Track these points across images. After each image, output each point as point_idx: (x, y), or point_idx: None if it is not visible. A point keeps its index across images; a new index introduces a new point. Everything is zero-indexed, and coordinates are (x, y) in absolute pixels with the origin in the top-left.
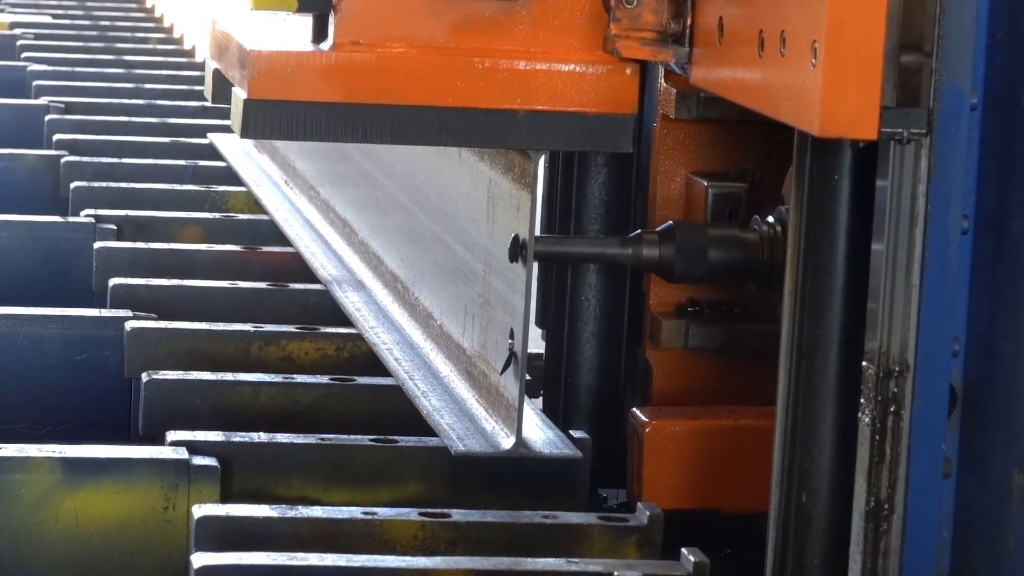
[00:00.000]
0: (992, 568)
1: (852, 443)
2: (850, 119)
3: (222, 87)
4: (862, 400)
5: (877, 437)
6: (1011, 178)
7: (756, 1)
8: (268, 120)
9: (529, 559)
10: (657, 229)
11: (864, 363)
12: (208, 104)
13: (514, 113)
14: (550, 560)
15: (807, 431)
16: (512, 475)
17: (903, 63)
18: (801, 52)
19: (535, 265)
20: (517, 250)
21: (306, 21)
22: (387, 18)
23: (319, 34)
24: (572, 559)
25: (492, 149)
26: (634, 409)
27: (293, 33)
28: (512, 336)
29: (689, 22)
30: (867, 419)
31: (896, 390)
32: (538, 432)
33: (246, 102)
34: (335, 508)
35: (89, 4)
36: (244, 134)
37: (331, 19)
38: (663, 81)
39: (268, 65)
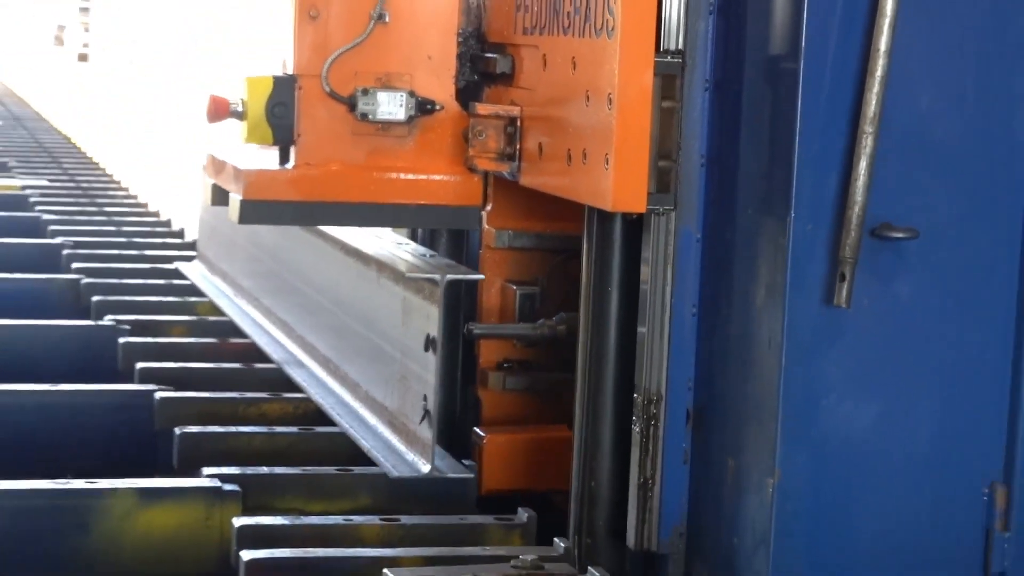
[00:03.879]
0: (714, 522)
1: (626, 446)
2: (630, 200)
3: (217, 196)
4: (634, 418)
5: (644, 439)
6: (719, 282)
7: (564, 132)
8: (255, 213)
9: (457, 548)
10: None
11: (635, 395)
12: (169, 240)
13: (406, 205)
14: (471, 548)
15: (594, 438)
16: (428, 489)
17: (660, 167)
18: (598, 162)
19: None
20: (429, 343)
21: (274, 151)
22: (327, 148)
23: (284, 158)
24: (484, 547)
25: (402, 276)
26: (475, 428)
27: (265, 158)
28: (425, 399)
29: (518, 147)
30: (637, 429)
31: (655, 411)
32: (442, 462)
33: (242, 202)
34: (323, 517)
35: (71, 171)
36: (241, 222)
37: (292, 150)
38: (486, 224)
39: (255, 179)
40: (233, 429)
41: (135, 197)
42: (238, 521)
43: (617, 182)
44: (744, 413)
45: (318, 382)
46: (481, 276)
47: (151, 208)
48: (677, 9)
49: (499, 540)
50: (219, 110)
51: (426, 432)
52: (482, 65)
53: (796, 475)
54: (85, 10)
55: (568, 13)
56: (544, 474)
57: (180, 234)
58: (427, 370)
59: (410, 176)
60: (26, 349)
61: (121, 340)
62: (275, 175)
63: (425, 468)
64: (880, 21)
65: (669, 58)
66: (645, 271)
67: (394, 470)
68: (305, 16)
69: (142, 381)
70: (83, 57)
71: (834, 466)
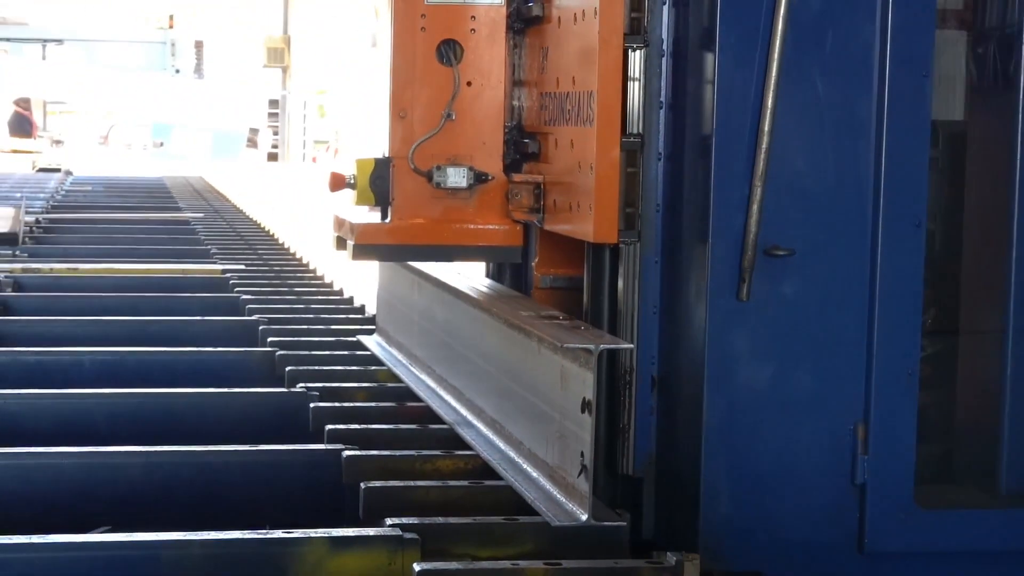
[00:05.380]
0: (671, 453)
1: (614, 404)
2: (606, 235)
3: (338, 243)
4: (617, 385)
5: (622, 398)
6: (671, 289)
7: (568, 191)
8: (364, 253)
9: None
10: None
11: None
12: (352, 316)
13: (468, 246)
14: None
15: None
16: (585, 537)
17: (627, 212)
18: (587, 210)
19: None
20: (584, 406)
21: (376, 211)
22: (413, 207)
23: (384, 215)
24: None
25: (561, 347)
26: None
27: (372, 215)
28: (582, 455)
29: (542, 203)
30: (618, 392)
31: (629, 379)
32: (598, 512)
33: (354, 246)
34: (492, 562)
35: (265, 256)
36: (354, 259)
37: (389, 209)
38: (535, 271)
39: (363, 229)
40: (411, 483)
41: (321, 278)
42: (418, 566)
43: (596, 223)
44: (686, 377)
45: (486, 441)
46: (632, 345)
47: (335, 287)
48: (638, 104)
49: None
50: (337, 183)
51: (583, 485)
52: (521, 147)
53: (718, 418)
54: (274, 115)
55: (569, 110)
56: None
57: (361, 310)
58: (584, 429)
59: (470, 226)
60: (228, 414)
61: (312, 405)
62: (378, 227)
63: (583, 517)
64: (764, 112)
65: (632, 139)
66: (620, 284)
67: (555, 519)
68: (396, 116)
69: (330, 441)
70: (272, 156)
71: (744, 411)
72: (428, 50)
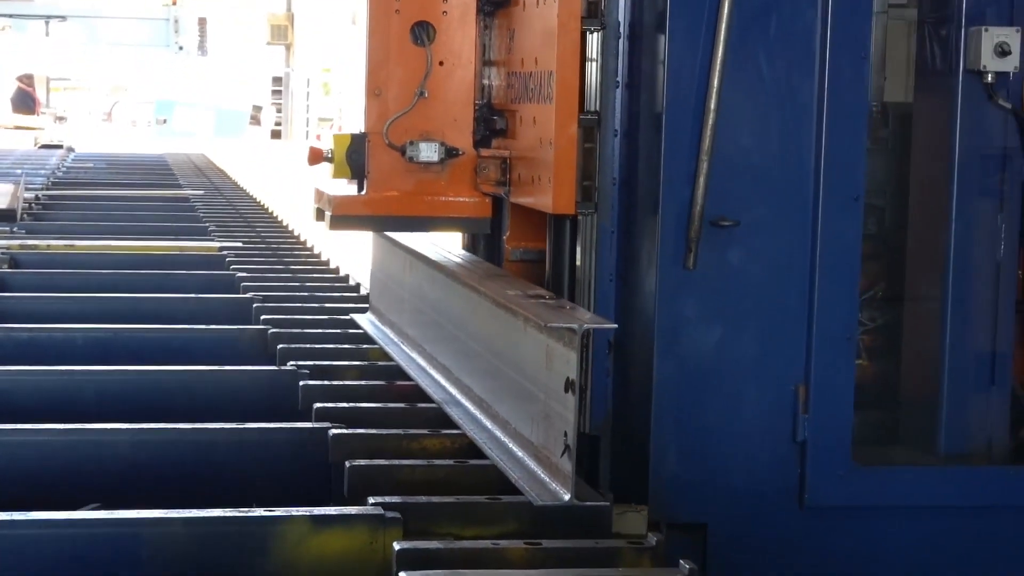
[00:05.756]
0: (625, 410)
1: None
2: (564, 206)
3: (318, 214)
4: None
5: (580, 361)
6: (626, 258)
7: (530, 165)
8: (341, 223)
9: (595, 569)
10: None
11: None
12: (346, 294)
13: (440, 217)
14: (606, 570)
15: None
16: (567, 515)
17: (583, 185)
18: (547, 183)
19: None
20: (568, 385)
21: (352, 184)
22: (387, 180)
23: (360, 188)
24: (618, 568)
25: (546, 326)
26: None
27: (349, 188)
28: (566, 435)
29: (508, 176)
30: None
31: (587, 342)
32: (581, 491)
33: (332, 216)
34: (474, 541)
35: (263, 234)
36: (331, 228)
37: (364, 182)
38: (506, 244)
39: (341, 201)
40: (397, 462)
41: (318, 256)
42: (398, 545)
43: (555, 195)
44: (639, 341)
45: (473, 419)
46: (615, 325)
47: (332, 266)
48: (594, 83)
49: (631, 562)
50: (315, 157)
51: (567, 465)
52: (490, 124)
53: (667, 379)
54: (277, 92)
55: (532, 89)
56: None
57: (356, 288)
58: (567, 409)
59: (442, 198)
60: (218, 392)
61: (301, 383)
62: (354, 199)
63: (566, 497)
64: (710, 92)
65: (589, 116)
66: (579, 253)
67: (538, 499)
68: (372, 94)
69: (318, 420)
70: (276, 134)
71: (691, 371)
72: (402, 31)
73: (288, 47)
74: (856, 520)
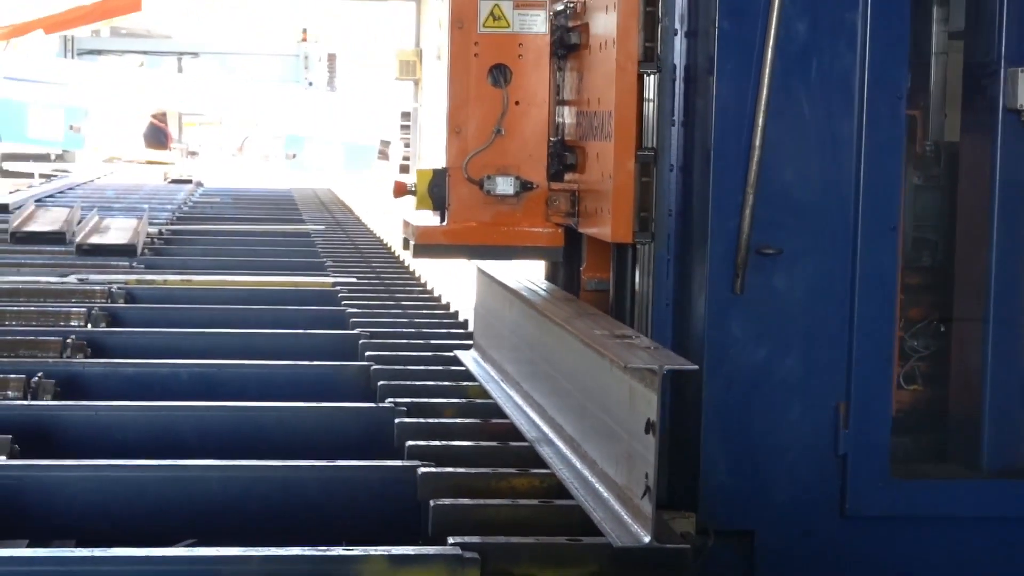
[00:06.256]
0: (681, 427)
1: None
2: (622, 235)
3: (404, 243)
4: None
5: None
6: (680, 284)
7: (595, 197)
8: (424, 252)
9: None
10: None
11: None
12: (453, 331)
13: (515, 247)
14: None
15: None
16: (646, 557)
17: (641, 216)
18: (607, 214)
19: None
20: (649, 427)
21: (435, 216)
22: (466, 212)
23: (441, 219)
24: None
25: (627, 367)
26: None
27: (431, 219)
28: (647, 476)
29: (577, 208)
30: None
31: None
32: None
33: (415, 245)
34: None
35: (379, 270)
36: (415, 256)
37: (446, 213)
38: (583, 275)
39: (423, 231)
40: (482, 501)
41: (431, 292)
42: None
43: (614, 225)
44: (691, 359)
45: (563, 458)
46: (695, 367)
47: (442, 302)
48: (652, 121)
49: None
50: (400, 190)
51: (647, 507)
52: (562, 159)
53: (716, 396)
54: (406, 127)
55: (595, 127)
56: None
57: (464, 325)
58: (648, 450)
59: (517, 228)
60: (315, 428)
61: (396, 420)
62: (436, 229)
63: (646, 539)
64: (756, 129)
65: (646, 152)
66: (638, 279)
67: (618, 540)
68: (453, 132)
69: (410, 458)
70: (404, 168)
71: (739, 390)
72: (481, 73)
73: (416, 82)
74: (894, 529)
